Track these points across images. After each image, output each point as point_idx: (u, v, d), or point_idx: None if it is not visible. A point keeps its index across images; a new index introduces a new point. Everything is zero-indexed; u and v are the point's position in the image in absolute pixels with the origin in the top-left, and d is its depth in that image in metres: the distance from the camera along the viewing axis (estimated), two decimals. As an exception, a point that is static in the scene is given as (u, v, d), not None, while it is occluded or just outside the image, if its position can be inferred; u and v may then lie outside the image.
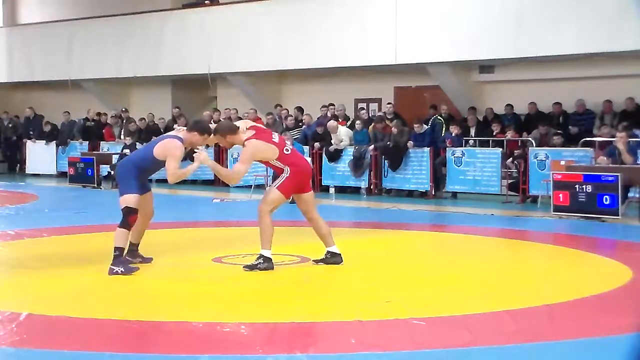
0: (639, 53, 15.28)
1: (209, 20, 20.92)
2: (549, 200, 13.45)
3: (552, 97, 16.88)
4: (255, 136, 8.07)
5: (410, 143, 16.51)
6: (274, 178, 9.06)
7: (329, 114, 18.65)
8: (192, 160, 8.43)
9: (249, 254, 8.44)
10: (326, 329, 5.89)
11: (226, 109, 20.54)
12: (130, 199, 7.97)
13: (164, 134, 8.72)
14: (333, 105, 18.75)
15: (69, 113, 23.19)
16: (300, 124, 18.76)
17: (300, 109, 19.14)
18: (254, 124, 8.53)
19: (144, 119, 21.26)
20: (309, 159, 16.51)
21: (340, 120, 18.31)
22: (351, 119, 18.48)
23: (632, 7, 13.44)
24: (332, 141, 17.46)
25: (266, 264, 7.99)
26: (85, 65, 23.10)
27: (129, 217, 7.96)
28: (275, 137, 8.26)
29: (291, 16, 19.35)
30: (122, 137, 20.97)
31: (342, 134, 17.48)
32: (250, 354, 5.21)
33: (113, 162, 19.45)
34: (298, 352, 5.19)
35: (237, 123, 8.59)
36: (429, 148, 16.44)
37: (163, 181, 20.05)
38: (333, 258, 8.30)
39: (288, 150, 8.21)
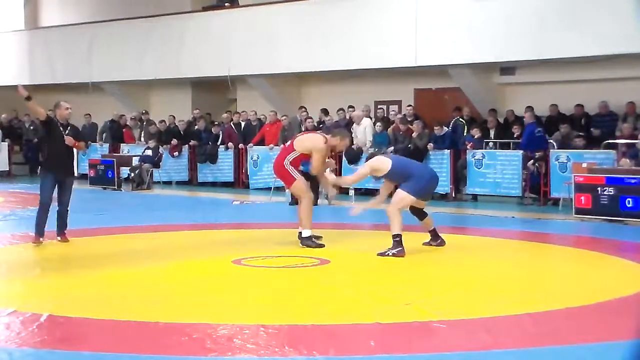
0: (662, 54, 15.15)
1: (229, 22, 20.93)
2: (571, 203, 13.36)
3: (573, 99, 16.76)
4: None
5: (430, 145, 16.45)
6: None
7: (347, 117, 18.60)
8: None
9: (269, 255, 8.42)
10: (345, 331, 5.86)
11: (243, 112, 20.57)
12: None
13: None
14: (352, 107, 18.73)
15: (90, 115, 23.32)
16: (320, 125, 18.71)
17: (325, 111, 19.09)
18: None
19: (164, 121, 21.31)
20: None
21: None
22: (373, 121, 18.43)
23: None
24: (354, 133, 17.41)
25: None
26: (106, 68, 23.20)
27: None
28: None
29: (311, 18, 19.32)
30: (142, 139, 21.05)
31: (363, 125, 17.49)
32: (269, 355, 5.19)
33: (133, 164, 19.55)
34: (317, 354, 5.18)
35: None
36: (449, 150, 16.37)
37: (183, 183, 20.33)
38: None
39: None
